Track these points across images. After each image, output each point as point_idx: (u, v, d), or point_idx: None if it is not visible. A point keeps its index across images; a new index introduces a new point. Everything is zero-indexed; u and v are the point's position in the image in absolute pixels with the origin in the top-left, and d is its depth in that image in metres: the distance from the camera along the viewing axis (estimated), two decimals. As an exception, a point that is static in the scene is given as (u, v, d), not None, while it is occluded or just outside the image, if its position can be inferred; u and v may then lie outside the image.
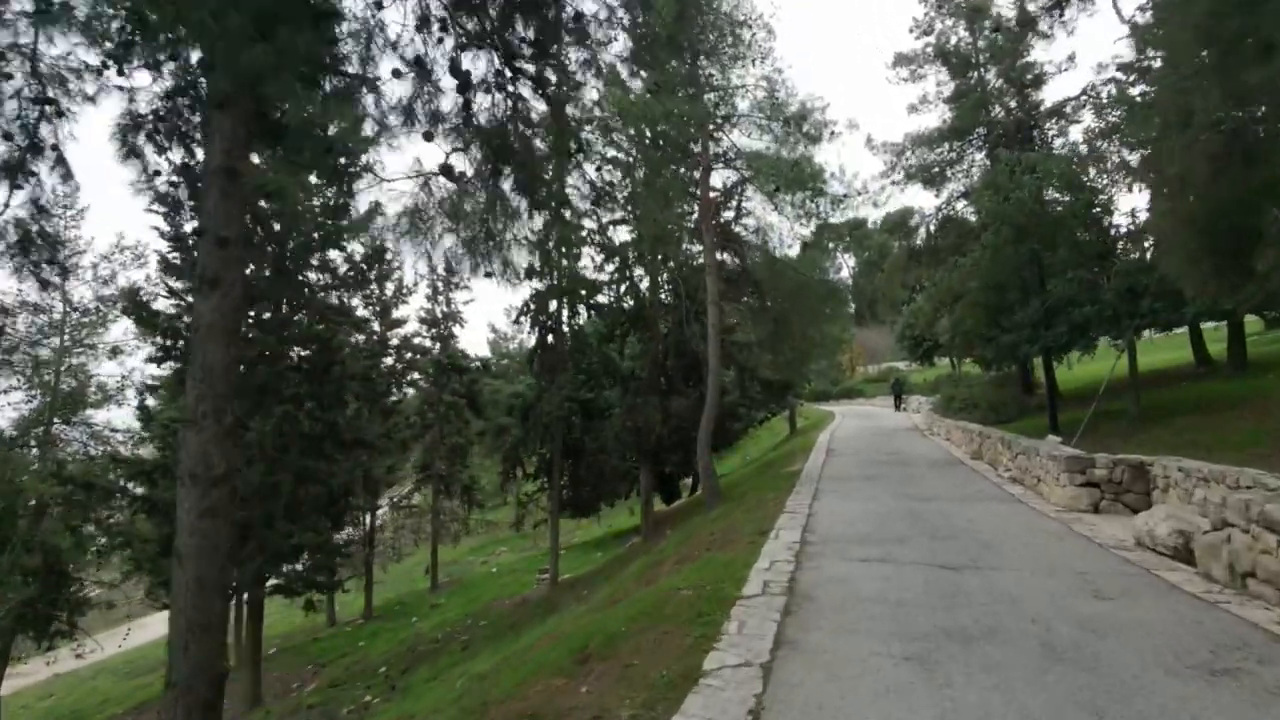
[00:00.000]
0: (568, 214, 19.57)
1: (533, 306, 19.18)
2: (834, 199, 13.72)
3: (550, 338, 19.73)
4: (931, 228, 24.74)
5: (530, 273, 19.23)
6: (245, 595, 14.46)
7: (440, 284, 29.48)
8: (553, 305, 19.70)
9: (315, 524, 15.49)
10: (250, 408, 14.28)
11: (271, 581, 15.10)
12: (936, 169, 24.36)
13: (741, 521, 10.24)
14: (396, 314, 25.68)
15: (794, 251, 15.59)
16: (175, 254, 14.78)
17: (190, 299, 14.48)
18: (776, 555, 6.91)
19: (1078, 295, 12.42)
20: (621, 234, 20.10)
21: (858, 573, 6.09)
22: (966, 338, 16.90)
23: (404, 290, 25.62)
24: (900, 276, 30.67)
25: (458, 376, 29.30)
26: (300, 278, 15.53)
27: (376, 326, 24.21)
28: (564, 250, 19.63)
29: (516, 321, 19.10)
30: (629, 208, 19.10)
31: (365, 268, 16.01)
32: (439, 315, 29.32)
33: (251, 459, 13.65)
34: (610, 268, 19.94)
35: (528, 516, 19.28)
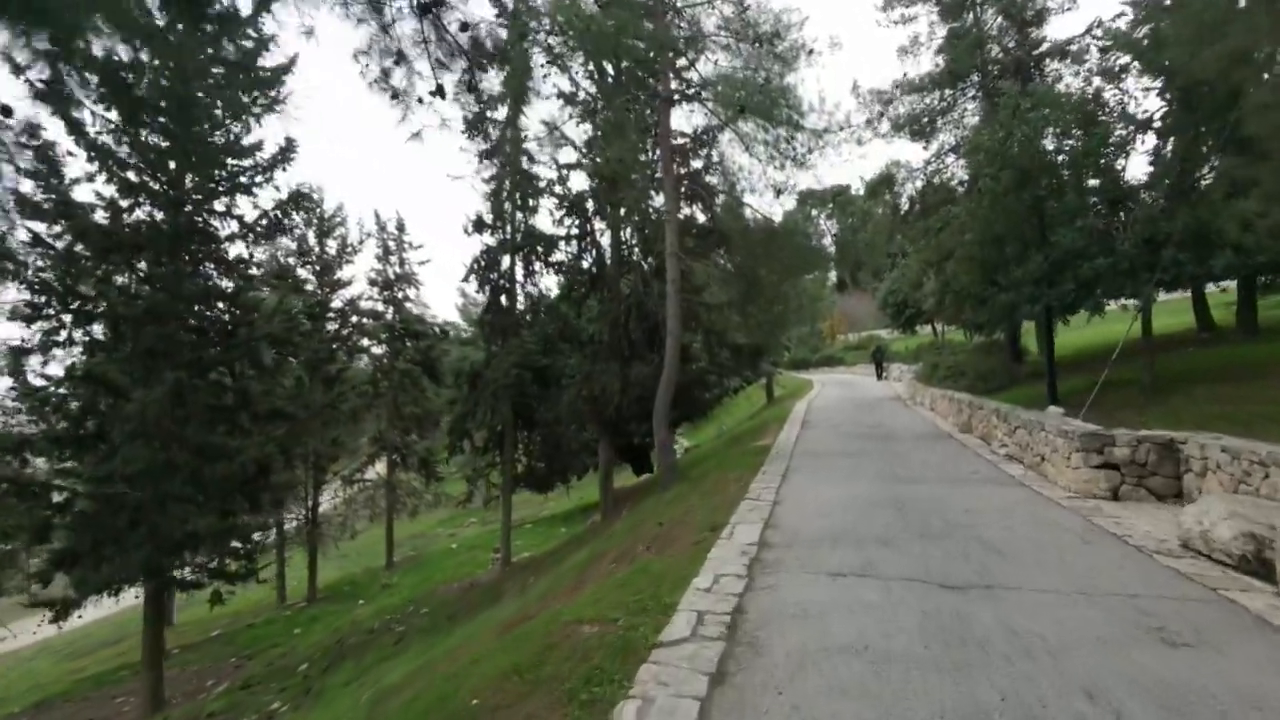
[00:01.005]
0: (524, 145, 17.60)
1: (483, 263, 17.21)
2: (813, 133, 11.87)
3: (503, 298, 17.83)
4: (919, 184, 23.06)
5: (480, 225, 17.29)
6: (140, 587, 12.69)
7: (392, 243, 27.33)
8: (505, 262, 17.75)
9: (227, 505, 13.70)
10: (136, 374, 12.33)
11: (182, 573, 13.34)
12: (926, 119, 22.52)
13: (696, 508, 8.65)
14: (341, 275, 23.51)
15: (768, 202, 13.75)
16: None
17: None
18: (725, 565, 5.29)
19: (1087, 247, 10.81)
20: (581, 182, 18.16)
21: (828, 598, 4.48)
22: (958, 298, 15.32)
23: (348, 249, 23.41)
24: (884, 239, 29.11)
25: (414, 342, 27.38)
26: (201, 224, 13.40)
27: (315, 287, 22.06)
28: (518, 199, 17.68)
29: (466, 279, 17.14)
30: (587, 151, 17.14)
31: (281, 216, 13.89)
32: (391, 276, 27.21)
33: (136, 432, 11.75)
34: (569, 222, 18.01)
35: (477, 493, 17.68)
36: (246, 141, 13.84)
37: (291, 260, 21.12)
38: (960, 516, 6.81)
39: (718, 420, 38.80)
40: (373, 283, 26.66)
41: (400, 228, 27.57)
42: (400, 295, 27.49)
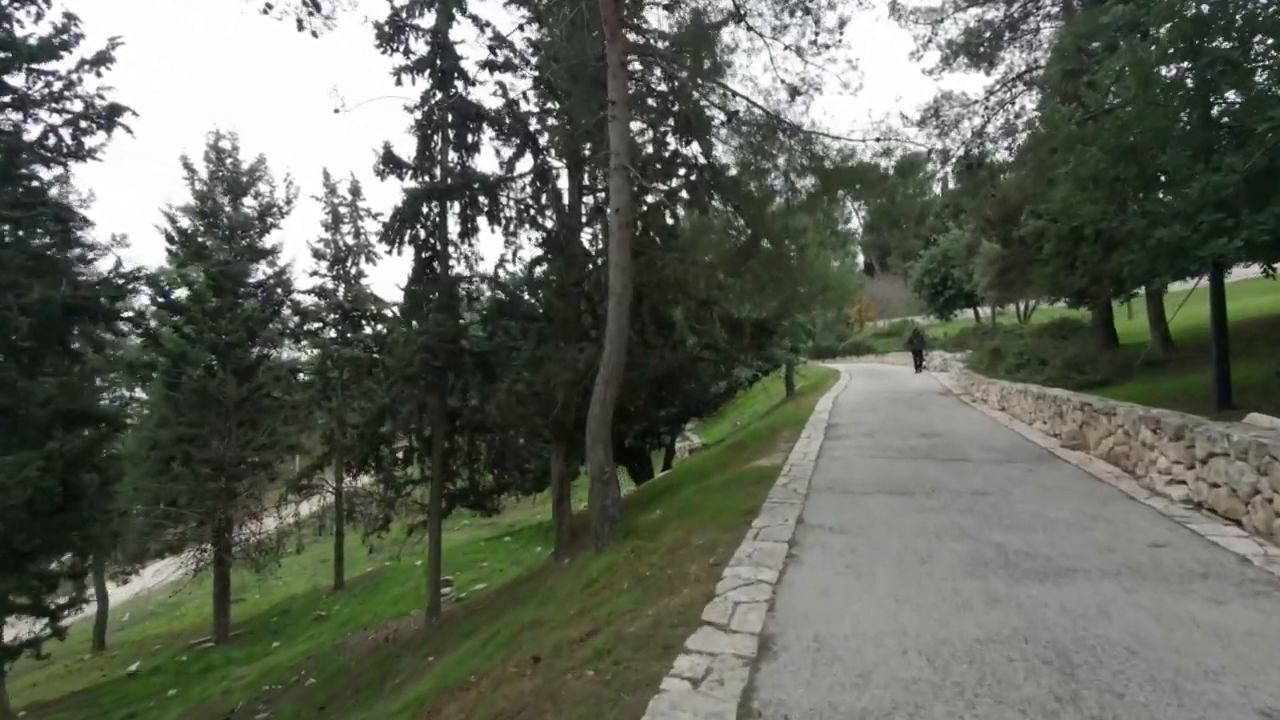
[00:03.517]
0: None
1: (403, 217, 13.04)
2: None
3: (435, 262, 13.67)
4: (976, 121, 18.30)
5: (393, 162, 13.14)
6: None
7: (344, 209, 23.35)
8: (436, 217, 13.57)
9: (33, 532, 9.83)
10: None
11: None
12: (989, 35, 17.74)
13: (617, 620, 4.39)
14: (266, 242, 19.54)
15: (776, 104, 9.26)
16: None
17: None
18: None
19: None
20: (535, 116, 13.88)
21: None
22: (1064, 243, 10.56)
23: (274, 209, 19.39)
24: (919, 207, 24.50)
25: (370, 325, 23.44)
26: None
27: (229, 255, 18.12)
28: (450, 133, 13.49)
29: (385, 239, 12.99)
30: (532, 62, 12.88)
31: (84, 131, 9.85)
32: (341, 248, 23.25)
33: None
34: (522, 166, 13.78)
35: (398, 517, 13.66)
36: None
37: (190, 220, 17.19)
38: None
39: (732, 415, 34.49)
40: (318, 255, 22.76)
41: (355, 191, 23.62)
42: (353, 270, 23.59)
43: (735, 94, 9.18)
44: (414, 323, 13.04)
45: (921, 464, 8.39)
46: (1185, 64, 7.35)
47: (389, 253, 12.82)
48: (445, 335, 11.91)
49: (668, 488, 12.28)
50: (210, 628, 22.89)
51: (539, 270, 13.27)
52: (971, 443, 9.81)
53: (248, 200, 18.71)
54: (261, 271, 18.96)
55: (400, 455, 13.71)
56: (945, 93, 18.08)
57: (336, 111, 10.39)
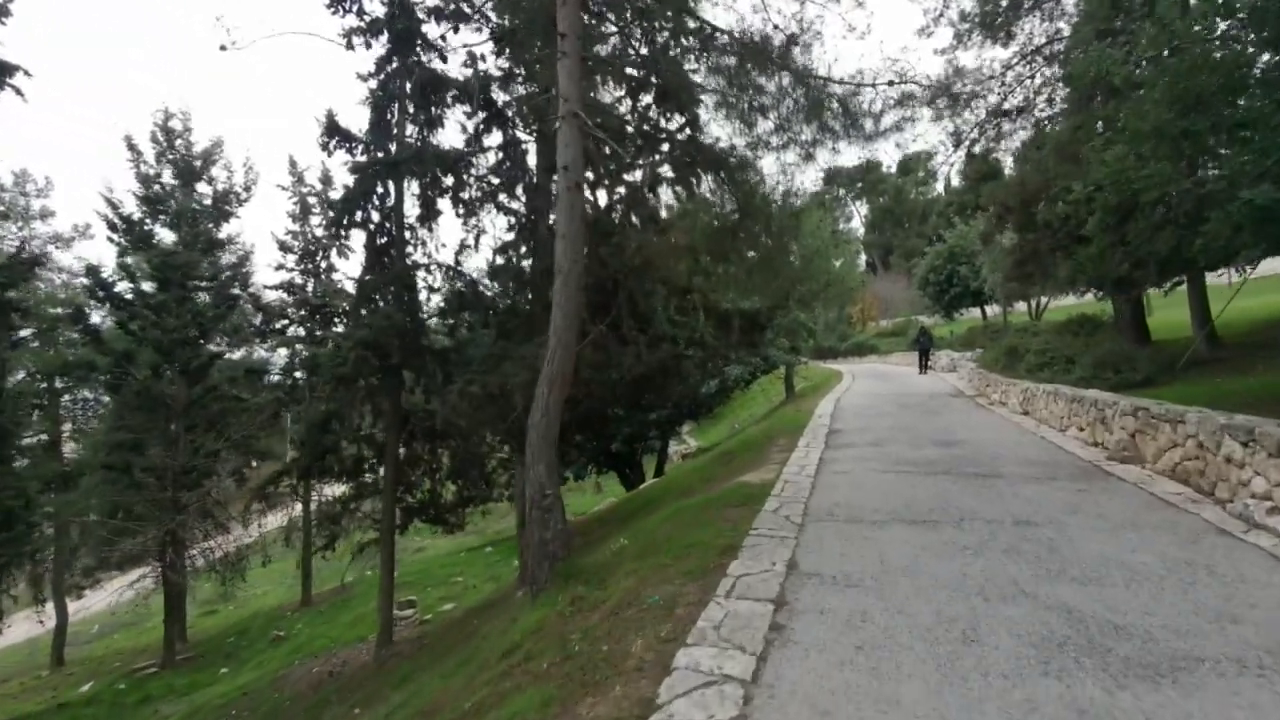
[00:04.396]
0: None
1: (352, 197, 11.57)
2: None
3: (390, 249, 12.21)
4: (991, 99, 16.86)
5: (338, 134, 11.72)
6: None
7: (313, 198, 21.91)
8: (389, 193, 12.13)
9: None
10: None
11: None
12: (1007, 4, 16.29)
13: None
14: (221, 232, 18.05)
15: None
16: None
17: None
18: None
19: None
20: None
21: None
22: (1110, 217, 9.00)
23: (231, 196, 17.92)
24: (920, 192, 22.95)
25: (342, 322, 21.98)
26: None
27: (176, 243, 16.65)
28: (409, 104, 12.08)
29: (332, 222, 11.52)
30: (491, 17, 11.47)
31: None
32: (310, 240, 21.80)
33: None
34: (490, 141, 12.37)
35: (346, 535, 12.19)
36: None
37: (136, 206, 15.74)
38: None
39: (730, 417, 33.00)
40: (285, 248, 21.31)
41: (325, 180, 22.15)
42: (324, 265, 22.11)
43: (715, 29, 7.69)
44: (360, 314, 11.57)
45: (943, 481, 6.90)
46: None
47: (336, 237, 11.36)
48: (392, 329, 10.43)
49: (648, 502, 10.81)
50: (153, 648, 21.48)
51: (503, 258, 11.79)
52: (999, 454, 8.32)
53: (201, 186, 17.25)
54: (216, 263, 17.44)
55: (350, 465, 12.19)
56: (958, 67, 16.62)
57: (223, 49, 8.88)
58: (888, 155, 38.60)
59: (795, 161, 9.29)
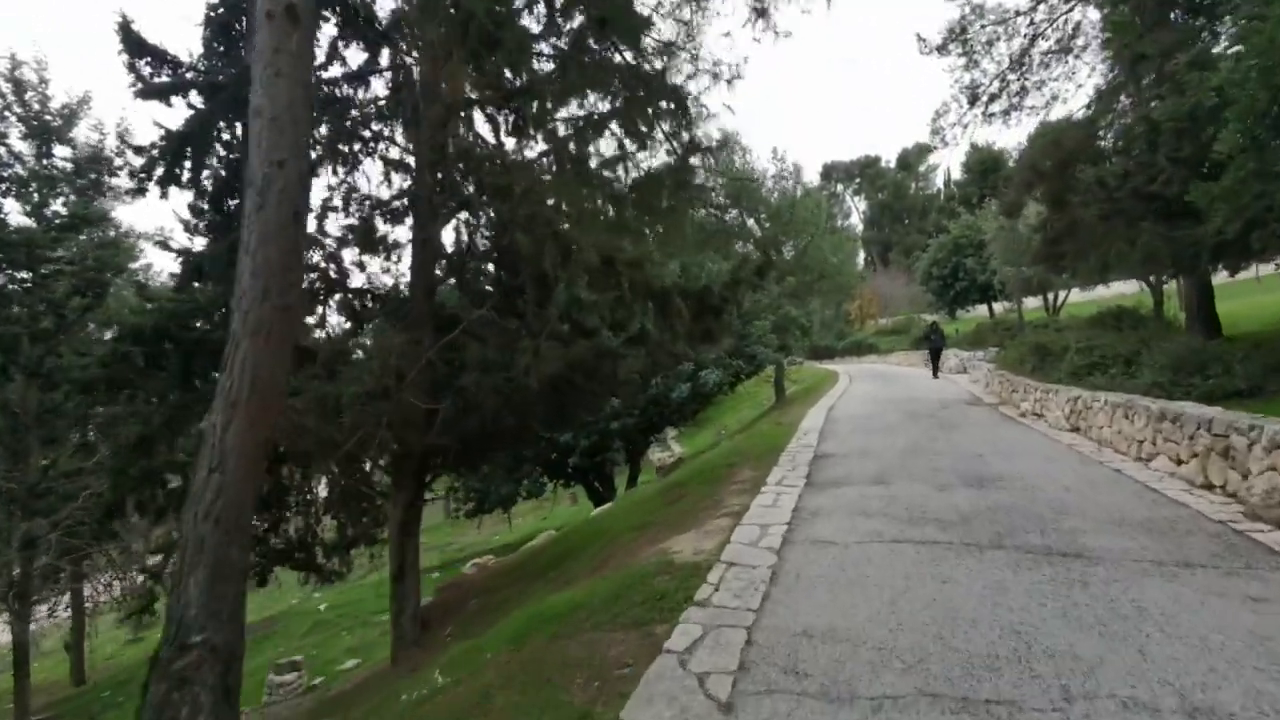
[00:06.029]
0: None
1: (176, 143, 8.64)
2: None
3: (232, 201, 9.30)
4: (1015, 44, 14.06)
5: (157, 57, 8.82)
6: None
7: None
8: (234, 139, 9.23)
9: None
10: None
11: None
12: None
13: None
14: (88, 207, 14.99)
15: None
16: None
17: None
18: None
19: None
20: None
21: None
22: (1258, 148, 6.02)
23: (102, 162, 14.78)
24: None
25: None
26: None
27: None
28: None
29: (141, 172, 8.66)
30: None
31: None
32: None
33: None
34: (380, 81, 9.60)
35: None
36: None
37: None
38: None
39: (717, 421, 30.16)
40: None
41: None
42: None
43: None
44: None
45: (995, 567, 3.99)
46: None
47: (140, 193, 8.45)
48: (169, 313, 7.53)
49: (567, 554, 7.91)
50: (54, 685, 18.52)
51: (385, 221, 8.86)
52: (1066, 503, 5.42)
53: (61, 150, 14.27)
54: (82, 243, 14.43)
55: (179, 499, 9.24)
56: (975, 5, 13.72)
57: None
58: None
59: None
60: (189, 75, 8.90)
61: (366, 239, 8.33)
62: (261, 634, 16.86)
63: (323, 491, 10.12)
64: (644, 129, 7.62)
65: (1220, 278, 11.36)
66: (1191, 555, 4.13)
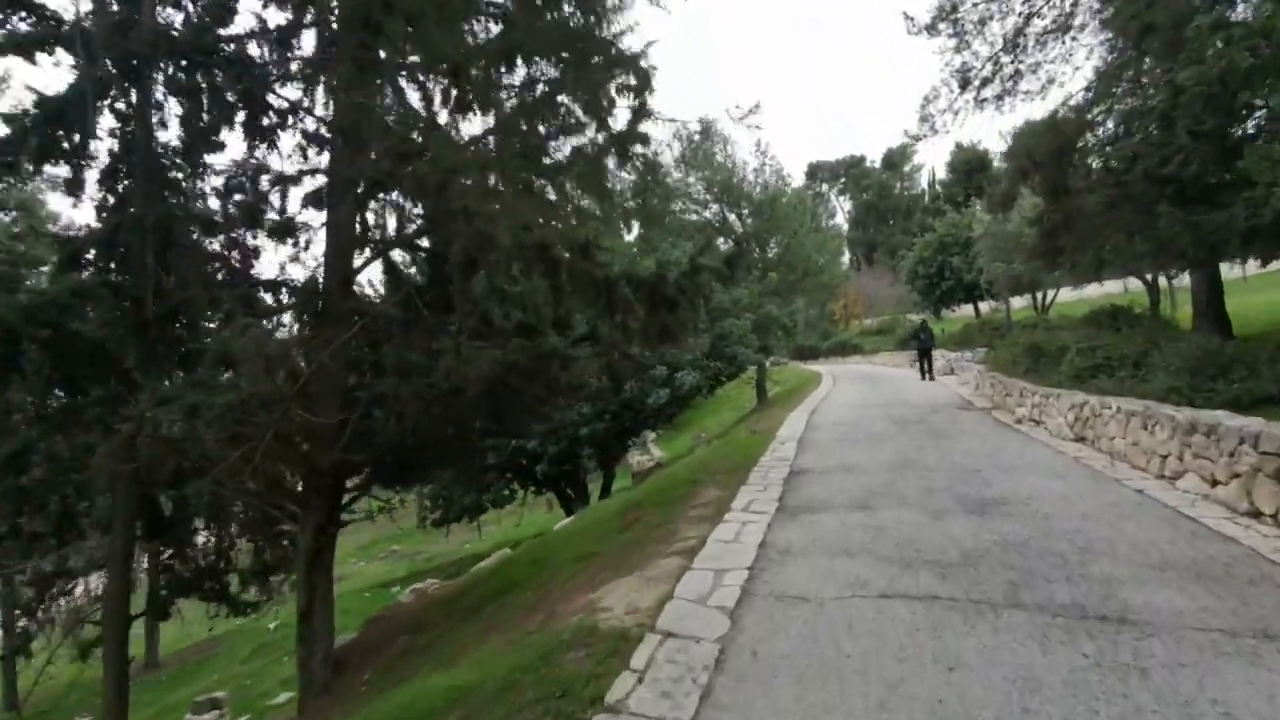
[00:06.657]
0: None
1: (55, 108, 7.44)
2: None
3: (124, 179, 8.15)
4: (1018, 18, 13.26)
5: (28, 8, 7.64)
6: None
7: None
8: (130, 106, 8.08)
9: None
10: None
11: None
12: None
13: None
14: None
15: None
16: None
17: None
18: None
19: None
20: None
21: None
22: None
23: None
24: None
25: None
26: None
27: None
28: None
29: (8, 147, 7.44)
30: None
31: None
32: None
33: None
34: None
35: (47, 630, 8.13)
36: None
37: None
38: None
39: (696, 424, 29.13)
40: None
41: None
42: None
43: None
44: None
45: (1018, 645, 2.98)
46: None
47: (13, 170, 7.25)
48: (63, 309, 6.35)
49: (508, 585, 6.84)
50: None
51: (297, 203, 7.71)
52: (1090, 536, 4.42)
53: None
54: None
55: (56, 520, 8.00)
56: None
57: None
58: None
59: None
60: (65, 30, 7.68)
61: (257, 218, 7.19)
62: (199, 658, 15.63)
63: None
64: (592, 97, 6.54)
65: (1232, 272, 10.56)
66: (1271, 620, 3.14)
